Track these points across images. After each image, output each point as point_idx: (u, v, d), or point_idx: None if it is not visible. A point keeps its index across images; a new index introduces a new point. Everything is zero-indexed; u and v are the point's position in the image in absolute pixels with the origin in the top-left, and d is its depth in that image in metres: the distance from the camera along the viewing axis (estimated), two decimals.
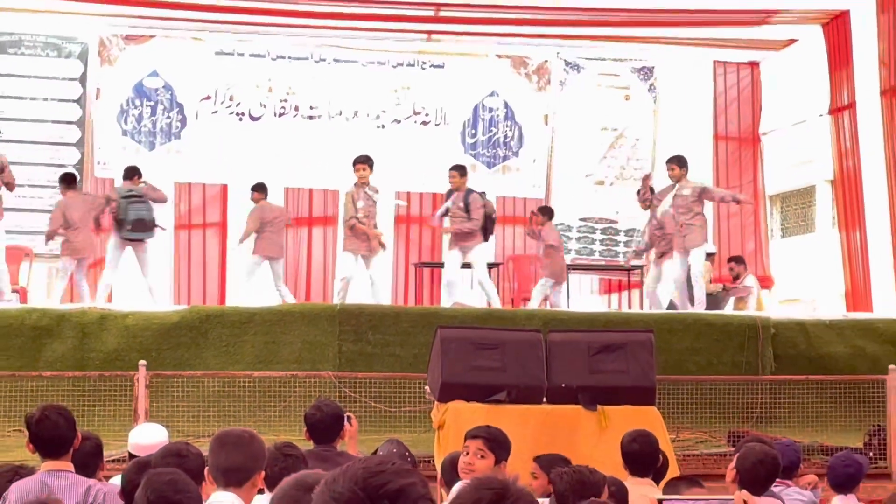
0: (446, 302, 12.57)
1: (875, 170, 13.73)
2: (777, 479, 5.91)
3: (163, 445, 4.84)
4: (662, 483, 5.82)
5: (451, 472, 5.19)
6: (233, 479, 3.90)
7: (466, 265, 12.71)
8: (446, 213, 12.61)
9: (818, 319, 11.57)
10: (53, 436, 4.69)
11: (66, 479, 4.61)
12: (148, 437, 5.71)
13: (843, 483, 5.74)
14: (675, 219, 12.21)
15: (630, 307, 14.94)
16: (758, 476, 5.04)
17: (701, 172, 14.92)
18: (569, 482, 4.58)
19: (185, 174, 14.97)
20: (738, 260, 14.52)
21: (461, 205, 12.31)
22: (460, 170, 12.66)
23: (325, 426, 5.77)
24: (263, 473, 4.04)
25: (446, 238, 12.89)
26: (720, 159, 16.24)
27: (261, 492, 4.13)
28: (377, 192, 12.45)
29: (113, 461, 6.65)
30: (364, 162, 12.30)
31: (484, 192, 12.76)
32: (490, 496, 2.15)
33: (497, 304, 12.61)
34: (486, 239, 12.63)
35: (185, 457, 4.22)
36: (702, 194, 12.38)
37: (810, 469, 7.49)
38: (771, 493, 5.25)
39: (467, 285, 13.13)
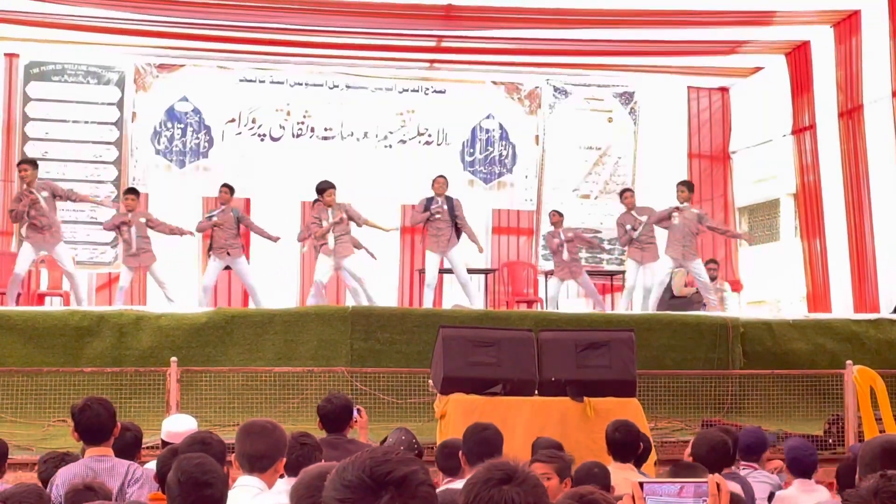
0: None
1: (833, 184, 13.74)
2: (743, 463, 5.93)
3: (190, 434, 4.84)
4: (644, 466, 5.82)
5: (443, 457, 5.17)
6: (257, 465, 3.91)
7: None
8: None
9: (782, 319, 11.57)
10: (95, 424, 4.70)
11: (107, 463, 4.64)
12: (179, 426, 5.71)
13: (806, 469, 5.73)
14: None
15: (613, 308, 14.93)
16: (711, 460, 5.04)
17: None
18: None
19: (212, 189, 14.95)
20: (716, 262, 14.51)
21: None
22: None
23: (335, 416, 5.76)
24: (285, 460, 4.05)
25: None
26: (694, 175, 16.24)
27: (281, 476, 4.14)
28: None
29: (147, 448, 6.65)
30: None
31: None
32: (500, 476, 2.19)
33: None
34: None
35: (209, 444, 4.22)
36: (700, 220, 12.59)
37: (775, 455, 7.47)
38: (738, 476, 5.26)
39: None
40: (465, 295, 12.70)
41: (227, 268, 12.54)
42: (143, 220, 12.12)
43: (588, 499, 2.84)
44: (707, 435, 5.21)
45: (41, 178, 11.85)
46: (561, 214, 13.65)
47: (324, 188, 12.01)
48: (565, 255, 13.23)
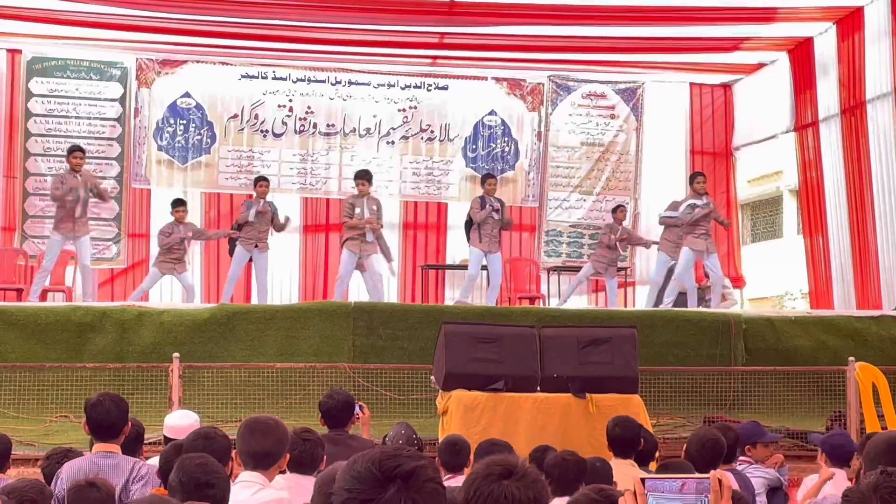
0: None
1: (836, 181, 13.72)
2: (740, 459, 5.94)
3: (194, 429, 4.86)
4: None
5: (451, 454, 5.18)
6: (261, 462, 3.92)
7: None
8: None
9: (784, 316, 11.58)
10: (105, 420, 4.72)
11: (113, 459, 4.66)
12: (181, 421, 5.72)
13: (845, 458, 5.63)
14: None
15: (626, 305, 14.93)
16: (701, 458, 5.07)
17: (679, 184, 14.95)
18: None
19: (215, 185, 15.01)
20: None
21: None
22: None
23: (336, 412, 5.76)
24: (288, 456, 4.05)
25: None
26: None
27: (282, 472, 4.14)
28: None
29: (149, 444, 6.67)
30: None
31: None
32: (500, 470, 2.22)
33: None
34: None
35: (213, 439, 4.24)
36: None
37: (777, 450, 7.47)
38: (737, 472, 5.28)
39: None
40: (490, 294, 12.77)
41: (249, 259, 12.54)
42: (190, 233, 12.38)
43: (607, 492, 3.10)
44: (699, 433, 5.23)
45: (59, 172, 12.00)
46: (624, 211, 13.69)
47: (359, 176, 12.19)
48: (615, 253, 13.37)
